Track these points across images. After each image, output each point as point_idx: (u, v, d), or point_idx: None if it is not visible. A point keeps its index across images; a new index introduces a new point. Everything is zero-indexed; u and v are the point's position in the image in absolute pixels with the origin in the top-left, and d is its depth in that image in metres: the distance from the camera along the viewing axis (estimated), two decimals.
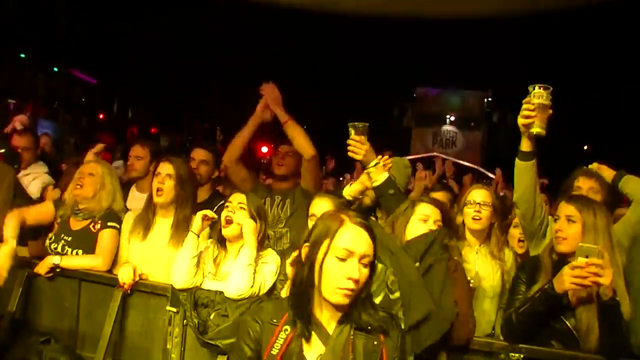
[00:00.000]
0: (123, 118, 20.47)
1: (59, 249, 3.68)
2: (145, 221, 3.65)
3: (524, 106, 2.84)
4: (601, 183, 3.58)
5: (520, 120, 2.87)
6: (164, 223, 3.65)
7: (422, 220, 3.00)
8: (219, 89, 17.87)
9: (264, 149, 14.98)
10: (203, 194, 4.31)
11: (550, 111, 2.83)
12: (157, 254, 3.56)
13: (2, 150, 4.56)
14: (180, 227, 3.55)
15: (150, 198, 3.69)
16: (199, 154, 4.47)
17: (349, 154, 3.37)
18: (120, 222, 3.76)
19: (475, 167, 15.26)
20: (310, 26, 14.00)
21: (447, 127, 23.59)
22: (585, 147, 18.90)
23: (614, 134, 16.53)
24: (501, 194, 7.22)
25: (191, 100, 18.84)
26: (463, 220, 3.51)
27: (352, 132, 3.34)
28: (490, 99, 23.13)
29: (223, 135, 14.80)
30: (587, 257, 2.49)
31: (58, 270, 3.57)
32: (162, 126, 18.91)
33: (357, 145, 3.31)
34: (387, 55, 15.98)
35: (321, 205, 3.29)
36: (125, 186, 4.40)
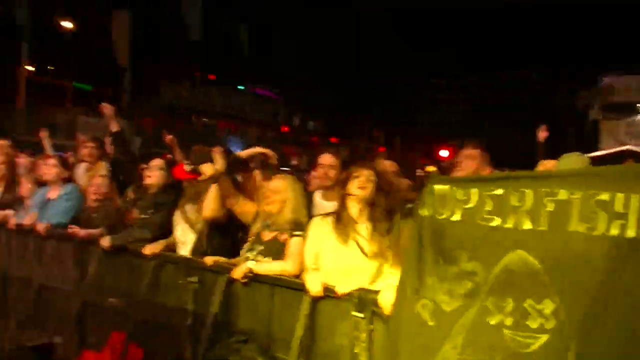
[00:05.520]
0: (304, 130, 21.39)
1: (253, 257, 4.02)
2: (343, 231, 3.72)
3: None
4: None
5: None
6: (359, 231, 3.71)
7: None
8: (395, 96, 18.01)
9: None
10: None
11: None
12: (356, 263, 3.63)
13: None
14: (378, 236, 3.64)
15: (343, 206, 3.78)
16: (327, 160, 4.50)
17: None
18: (304, 231, 3.94)
19: None
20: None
21: None
22: None
23: None
24: None
25: (367, 109, 19.23)
26: None
27: None
28: None
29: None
30: None
31: (251, 274, 3.85)
32: (342, 135, 19.49)
33: None
34: (570, 41, 14.91)
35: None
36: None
